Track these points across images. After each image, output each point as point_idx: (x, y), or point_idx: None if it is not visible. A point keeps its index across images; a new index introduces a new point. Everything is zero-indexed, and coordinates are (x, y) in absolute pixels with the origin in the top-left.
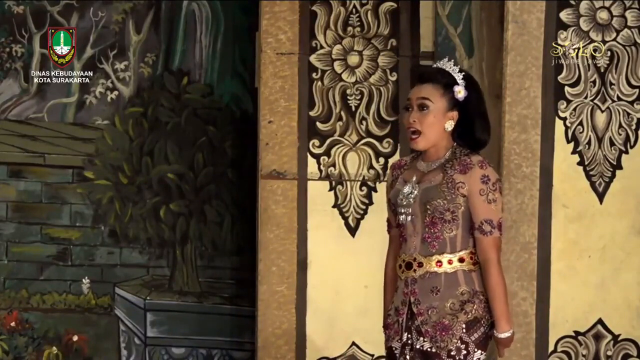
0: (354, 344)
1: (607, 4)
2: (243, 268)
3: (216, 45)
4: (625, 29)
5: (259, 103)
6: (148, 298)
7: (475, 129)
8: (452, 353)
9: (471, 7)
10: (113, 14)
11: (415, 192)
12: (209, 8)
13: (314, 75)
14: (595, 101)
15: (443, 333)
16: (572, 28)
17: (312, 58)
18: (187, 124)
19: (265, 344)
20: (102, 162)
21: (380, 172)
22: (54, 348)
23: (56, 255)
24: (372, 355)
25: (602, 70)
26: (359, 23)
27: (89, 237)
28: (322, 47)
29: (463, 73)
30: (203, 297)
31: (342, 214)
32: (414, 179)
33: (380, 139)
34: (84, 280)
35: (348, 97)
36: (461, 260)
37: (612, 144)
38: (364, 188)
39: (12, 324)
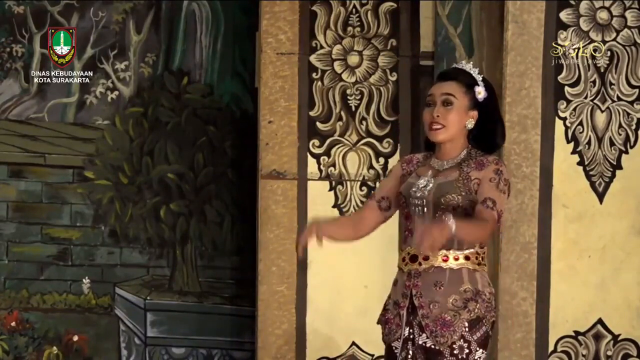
0: (354, 344)
1: (607, 4)
2: (243, 268)
3: (216, 45)
4: (625, 29)
5: (259, 103)
6: (148, 298)
7: (497, 134)
8: (455, 352)
9: (471, 7)
10: (113, 14)
11: (431, 185)
12: (209, 8)
13: (314, 75)
14: (595, 101)
15: (444, 329)
16: (572, 28)
17: (312, 58)
18: (187, 124)
19: (265, 344)
20: (102, 162)
21: (380, 172)
22: (54, 348)
23: (56, 255)
24: (372, 355)
25: (602, 70)
26: (359, 23)
27: (89, 237)
28: (322, 47)
29: (482, 76)
30: (203, 297)
31: (342, 214)
32: (430, 173)
33: (380, 139)
34: (84, 280)
35: (348, 97)
36: (467, 258)
37: (612, 144)
38: (364, 188)
39: (13, 323)
